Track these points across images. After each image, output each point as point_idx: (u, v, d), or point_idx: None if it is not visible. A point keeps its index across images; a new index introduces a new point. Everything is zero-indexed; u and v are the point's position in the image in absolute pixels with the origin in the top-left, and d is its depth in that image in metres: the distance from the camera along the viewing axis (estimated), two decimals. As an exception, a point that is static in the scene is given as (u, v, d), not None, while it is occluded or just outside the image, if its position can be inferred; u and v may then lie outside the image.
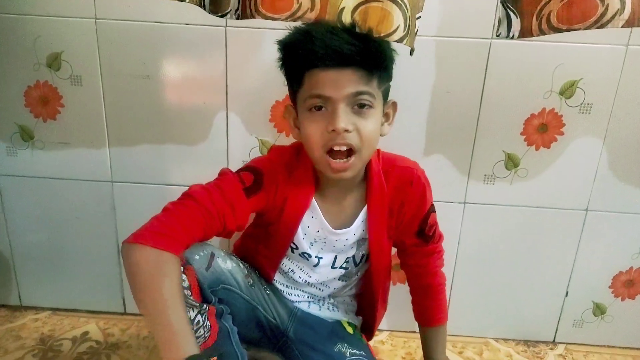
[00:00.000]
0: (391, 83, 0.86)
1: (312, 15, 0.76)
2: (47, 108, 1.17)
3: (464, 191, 1.19)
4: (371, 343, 1.08)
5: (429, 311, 1.02)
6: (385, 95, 0.85)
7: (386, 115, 0.87)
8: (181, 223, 0.76)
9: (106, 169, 1.21)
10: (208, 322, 0.80)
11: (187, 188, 0.83)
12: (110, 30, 1.10)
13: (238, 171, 0.88)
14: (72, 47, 1.12)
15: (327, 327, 1.00)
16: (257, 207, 0.88)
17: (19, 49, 1.12)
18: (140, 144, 1.19)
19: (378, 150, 0.93)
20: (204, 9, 0.84)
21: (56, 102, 1.16)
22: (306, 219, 0.91)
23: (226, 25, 1.08)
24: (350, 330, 1.01)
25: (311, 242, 0.94)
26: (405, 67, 1.04)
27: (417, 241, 0.96)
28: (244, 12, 0.80)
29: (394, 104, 0.88)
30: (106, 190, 1.23)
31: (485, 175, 1.17)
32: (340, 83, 0.76)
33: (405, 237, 0.96)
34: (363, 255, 0.97)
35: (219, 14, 0.82)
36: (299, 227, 0.91)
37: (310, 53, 0.76)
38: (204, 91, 1.14)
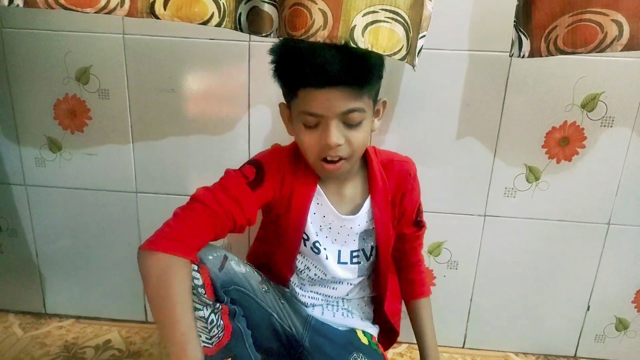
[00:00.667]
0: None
1: (324, 33, 0.77)
2: (75, 120, 1.20)
3: (484, 204, 1.19)
4: (389, 356, 1.08)
5: (416, 284, 1.08)
6: (376, 97, 0.88)
7: (376, 112, 0.91)
8: (190, 227, 0.80)
9: (131, 180, 1.24)
10: (222, 322, 0.82)
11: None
12: (137, 45, 1.13)
13: (240, 167, 0.91)
14: (101, 62, 1.15)
15: (342, 336, 1.00)
16: (264, 200, 0.91)
17: (49, 64, 1.16)
18: (164, 155, 1.21)
19: (374, 148, 0.99)
20: (241, 32, 0.86)
21: (84, 114, 1.19)
22: (312, 205, 0.94)
23: (249, 40, 1.10)
24: (365, 340, 1.01)
25: (317, 231, 0.96)
26: (434, 79, 1.09)
27: (414, 229, 1.03)
28: (280, 31, 0.82)
29: (384, 103, 0.92)
30: (130, 200, 1.26)
31: (506, 188, 1.17)
32: (332, 102, 0.79)
33: (405, 228, 1.02)
34: (372, 247, 1.00)
35: (263, 34, 0.85)
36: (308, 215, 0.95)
37: (302, 73, 0.79)
38: (227, 103, 1.16)
